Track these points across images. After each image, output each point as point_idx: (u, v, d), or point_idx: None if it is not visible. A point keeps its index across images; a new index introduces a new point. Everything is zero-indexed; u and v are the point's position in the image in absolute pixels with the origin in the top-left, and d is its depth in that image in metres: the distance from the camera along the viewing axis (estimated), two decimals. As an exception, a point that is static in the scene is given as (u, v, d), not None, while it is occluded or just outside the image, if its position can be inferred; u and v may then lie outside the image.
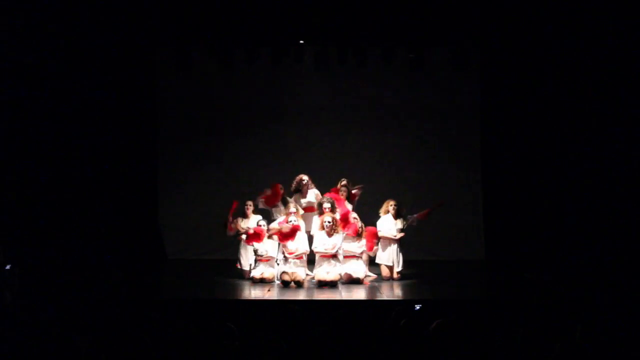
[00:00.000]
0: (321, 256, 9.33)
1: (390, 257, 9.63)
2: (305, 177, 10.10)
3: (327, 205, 9.49)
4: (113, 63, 11.32)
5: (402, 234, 9.67)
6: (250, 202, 9.84)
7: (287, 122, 12.03)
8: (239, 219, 9.72)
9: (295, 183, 10.13)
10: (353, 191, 10.14)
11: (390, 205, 9.72)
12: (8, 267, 7.58)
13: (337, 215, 9.46)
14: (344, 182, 10.12)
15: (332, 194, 9.85)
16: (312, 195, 10.08)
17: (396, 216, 9.71)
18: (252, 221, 9.67)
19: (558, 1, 10.22)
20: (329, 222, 9.27)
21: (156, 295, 8.78)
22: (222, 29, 10.94)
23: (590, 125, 10.97)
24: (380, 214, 9.75)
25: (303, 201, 10.08)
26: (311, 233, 9.73)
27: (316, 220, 9.74)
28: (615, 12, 9.97)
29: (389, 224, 9.66)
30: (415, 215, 9.78)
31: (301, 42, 11.30)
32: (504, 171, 11.67)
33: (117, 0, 10.30)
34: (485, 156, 11.89)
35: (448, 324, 4.91)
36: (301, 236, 9.44)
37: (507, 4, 10.41)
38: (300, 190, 10.10)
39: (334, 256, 9.29)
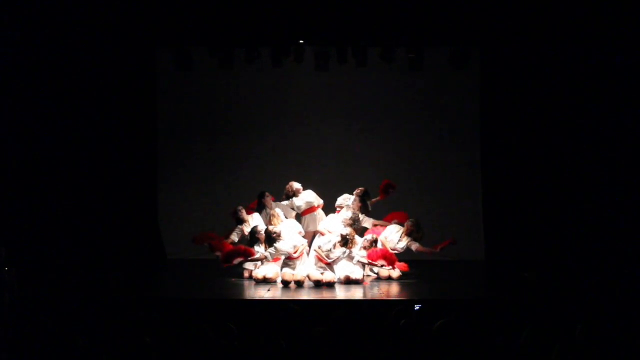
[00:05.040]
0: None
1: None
2: (296, 184, 10.06)
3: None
4: (113, 63, 11.31)
5: (398, 251, 9.49)
6: (240, 207, 9.81)
7: (287, 122, 12.02)
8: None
9: (286, 191, 10.10)
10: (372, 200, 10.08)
11: (408, 222, 9.54)
12: (6, 268, 7.55)
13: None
14: (358, 192, 10.01)
15: None
16: (311, 196, 10.08)
17: (407, 234, 9.48)
18: (254, 222, 9.64)
19: (558, 1, 10.22)
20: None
21: (156, 295, 8.76)
22: (222, 29, 10.93)
23: (591, 125, 10.97)
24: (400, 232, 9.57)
25: (297, 204, 10.05)
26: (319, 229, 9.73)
27: (330, 219, 9.74)
28: (615, 11, 9.97)
29: (393, 236, 9.57)
30: (418, 246, 9.49)
31: (301, 42, 11.30)
32: (504, 171, 11.66)
33: (118, 0, 10.30)
34: (485, 156, 11.88)
35: (451, 324, 4.92)
36: (292, 232, 9.40)
37: (507, 4, 10.40)
38: (289, 198, 10.06)
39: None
